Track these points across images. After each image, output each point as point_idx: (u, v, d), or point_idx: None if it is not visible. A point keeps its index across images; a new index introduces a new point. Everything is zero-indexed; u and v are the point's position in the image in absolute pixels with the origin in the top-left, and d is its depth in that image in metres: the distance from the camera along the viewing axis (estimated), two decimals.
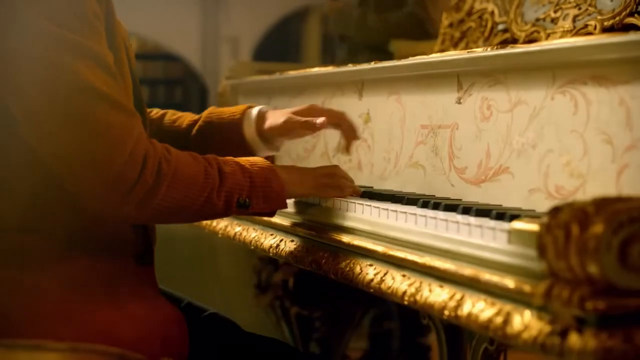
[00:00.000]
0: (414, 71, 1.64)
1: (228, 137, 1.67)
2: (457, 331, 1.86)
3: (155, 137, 1.40)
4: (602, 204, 0.94)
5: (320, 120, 1.57)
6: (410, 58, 1.65)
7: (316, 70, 2.02)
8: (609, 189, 1.17)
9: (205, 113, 1.75)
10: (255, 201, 1.41)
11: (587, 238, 0.92)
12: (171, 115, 1.77)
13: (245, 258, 2.76)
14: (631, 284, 0.93)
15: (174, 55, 11.71)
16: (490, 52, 1.42)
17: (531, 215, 1.10)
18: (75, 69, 1.26)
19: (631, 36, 1.16)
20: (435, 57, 1.58)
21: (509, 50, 1.38)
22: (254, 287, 2.59)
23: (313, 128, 1.60)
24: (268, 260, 2.55)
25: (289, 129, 1.63)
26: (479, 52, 1.45)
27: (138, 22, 10.49)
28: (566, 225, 0.94)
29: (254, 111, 1.68)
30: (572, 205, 0.95)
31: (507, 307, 1.04)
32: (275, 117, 1.64)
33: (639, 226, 0.93)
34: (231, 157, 1.45)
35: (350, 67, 1.86)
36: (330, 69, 1.96)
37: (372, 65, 1.77)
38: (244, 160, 1.45)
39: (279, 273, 2.51)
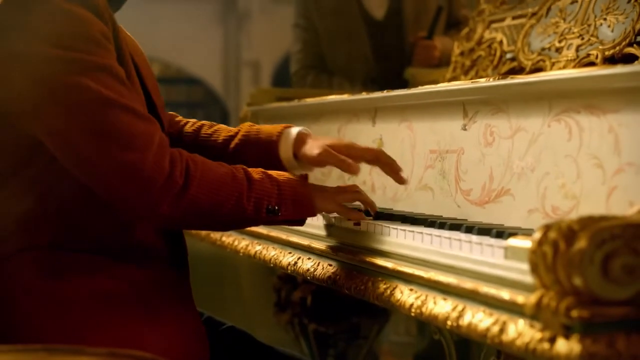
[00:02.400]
0: (423, 100, 1.75)
1: (264, 156, 1.67)
2: (466, 345, 1.95)
3: (190, 150, 1.46)
4: (587, 222, 1.04)
5: (355, 169, 1.58)
6: (420, 87, 1.77)
7: (332, 97, 2.13)
8: (599, 209, 1.27)
9: (242, 129, 1.76)
10: (284, 208, 1.46)
11: (573, 253, 1.02)
12: (207, 128, 1.79)
13: (265, 278, 2.87)
14: (613, 295, 1.02)
15: (196, 79, 11.89)
16: (492, 82, 1.53)
17: (526, 234, 1.20)
18: (87, 85, 1.33)
19: (619, 69, 1.27)
20: (442, 86, 1.69)
21: (509, 80, 1.49)
22: (273, 305, 2.70)
23: (347, 170, 1.60)
24: (287, 279, 2.66)
25: (322, 163, 1.63)
26: (483, 82, 1.56)
27: (161, 47, 10.69)
28: (554, 242, 1.04)
29: (293, 132, 1.67)
30: (560, 223, 1.05)
31: (503, 317, 1.14)
32: (312, 147, 1.63)
33: (620, 242, 1.03)
34: (259, 168, 1.51)
35: (364, 95, 1.98)
36: (345, 96, 2.07)
37: (385, 93, 1.88)
38: (271, 171, 1.51)
39: (298, 291, 2.61)
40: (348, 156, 1.58)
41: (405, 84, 2.89)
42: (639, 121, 1.23)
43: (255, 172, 1.48)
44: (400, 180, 1.62)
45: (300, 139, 1.67)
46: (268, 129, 1.72)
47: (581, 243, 1.02)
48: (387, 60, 3.17)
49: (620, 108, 1.27)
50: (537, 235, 1.06)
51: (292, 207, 1.49)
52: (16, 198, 1.41)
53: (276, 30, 11.11)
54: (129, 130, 1.34)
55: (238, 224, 1.57)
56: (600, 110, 1.30)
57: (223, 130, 1.78)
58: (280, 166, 1.65)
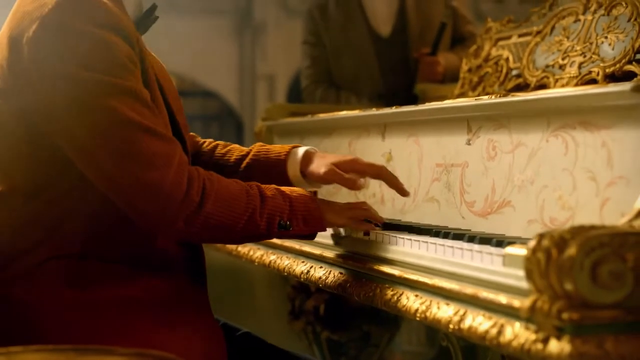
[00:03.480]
0: (430, 116, 1.83)
1: (273, 175, 1.76)
2: (473, 352, 2.03)
3: (206, 167, 1.55)
4: (577, 232, 1.11)
5: (360, 183, 1.68)
6: (427, 104, 1.85)
7: (344, 113, 2.22)
8: (594, 220, 1.35)
9: (253, 150, 1.85)
10: (296, 223, 1.56)
11: (564, 260, 1.10)
12: (221, 148, 1.89)
13: (279, 288, 2.95)
14: (601, 299, 1.10)
15: (212, 92, 12.00)
16: (494, 99, 1.61)
17: (524, 243, 1.28)
18: (113, 107, 1.42)
19: (610, 88, 1.35)
20: (447, 103, 1.78)
21: (509, 98, 1.57)
22: (288, 314, 2.78)
23: (352, 188, 1.70)
24: (301, 289, 2.75)
25: (329, 181, 1.73)
26: (485, 99, 1.64)
27: (177, 60, 10.80)
28: (547, 249, 1.12)
29: (300, 152, 1.77)
30: (552, 232, 1.13)
31: (501, 320, 1.22)
32: (318, 165, 1.72)
33: (608, 250, 1.11)
34: (272, 185, 1.60)
35: (374, 111, 2.06)
36: (356, 112, 2.16)
37: (394, 109, 1.97)
38: (284, 188, 1.60)
39: (311, 300, 2.70)
40: (352, 172, 1.68)
41: (415, 99, 2.97)
42: (629, 137, 1.31)
43: (268, 189, 1.57)
44: (403, 193, 1.71)
45: (307, 158, 1.76)
46: (277, 149, 1.82)
47: (571, 251, 1.10)
48: (394, 75, 3.25)
49: (613, 124, 1.35)
50: (532, 243, 1.14)
51: (303, 223, 1.58)
52: (47, 210, 1.50)
53: (291, 44, 11.21)
54: (150, 151, 1.43)
55: (251, 239, 1.65)
56: (594, 126, 1.38)
57: (235, 150, 1.88)
58: (288, 184, 1.74)
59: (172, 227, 1.46)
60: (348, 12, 3.36)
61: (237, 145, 1.92)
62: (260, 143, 1.90)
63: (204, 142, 1.93)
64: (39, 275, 1.49)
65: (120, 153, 1.43)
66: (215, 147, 1.91)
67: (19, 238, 1.50)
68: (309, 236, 1.63)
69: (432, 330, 2.19)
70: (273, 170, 1.77)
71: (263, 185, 1.58)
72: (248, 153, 1.86)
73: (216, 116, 12.62)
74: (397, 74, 3.24)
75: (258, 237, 1.59)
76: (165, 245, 1.58)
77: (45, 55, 1.43)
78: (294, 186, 1.73)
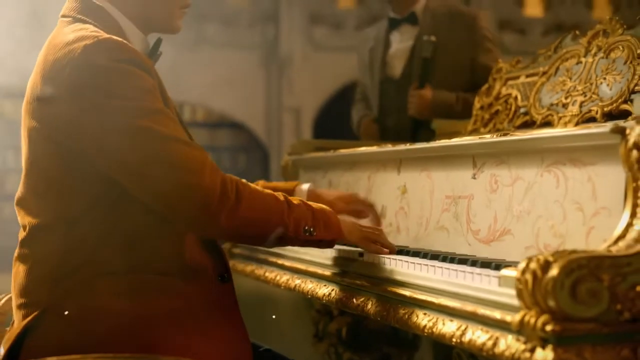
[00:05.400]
0: (440, 152, 2.02)
1: None
2: None
3: None
4: (559, 255, 1.29)
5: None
6: (437, 142, 2.04)
7: (363, 149, 2.41)
8: (581, 246, 1.52)
9: (260, 184, 2.08)
10: (318, 229, 1.77)
11: (547, 280, 1.27)
12: None
13: (304, 312, 3.13)
14: (580, 314, 1.27)
15: (239, 124, 12.22)
16: (496, 138, 1.80)
17: (515, 265, 1.46)
18: (149, 127, 1.64)
19: (594, 129, 1.53)
20: (455, 141, 1.96)
21: (509, 137, 1.76)
22: (312, 336, 2.96)
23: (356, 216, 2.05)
24: (324, 312, 2.92)
25: (334, 208, 1.99)
26: (488, 138, 1.83)
27: (205, 93, 11.06)
28: (534, 271, 1.29)
29: (304, 188, 2.07)
30: (538, 256, 1.31)
31: (496, 333, 1.40)
32: (322, 199, 2.05)
33: (585, 271, 1.28)
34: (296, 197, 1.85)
35: (390, 148, 2.26)
36: (374, 148, 2.35)
37: (408, 146, 2.16)
38: (307, 202, 1.82)
39: (334, 323, 2.87)
40: (353, 203, 2.05)
41: (432, 134, 3.15)
42: (611, 172, 1.49)
43: (294, 198, 1.80)
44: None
45: (311, 193, 2.06)
46: (282, 185, 2.11)
47: (554, 272, 1.27)
48: (401, 113, 3.45)
49: (597, 161, 1.53)
50: (522, 266, 1.32)
51: (324, 229, 1.80)
52: (89, 234, 1.70)
53: (317, 77, 11.45)
54: (185, 157, 1.65)
55: (281, 239, 1.80)
56: (581, 162, 1.56)
57: None
58: None
59: (215, 223, 1.66)
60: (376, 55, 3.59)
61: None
62: (264, 181, 2.17)
63: None
64: (88, 291, 1.68)
65: (159, 163, 1.64)
66: None
67: (65, 262, 1.70)
68: (330, 242, 1.83)
69: (447, 350, 2.35)
70: None
71: (288, 196, 1.80)
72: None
73: (243, 147, 12.83)
74: (405, 111, 3.43)
75: (286, 238, 1.77)
76: (192, 255, 1.77)
77: (79, 93, 1.64)
78: None
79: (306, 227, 1.76)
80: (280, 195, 1.77)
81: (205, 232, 1.74)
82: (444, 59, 3.38)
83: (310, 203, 1.81)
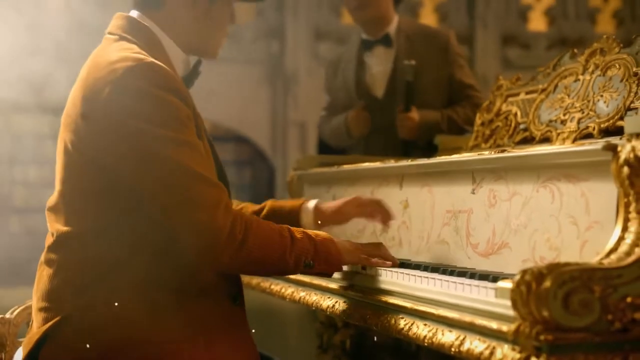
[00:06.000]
0: (441, 168, 2.08)
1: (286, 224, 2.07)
2: None
3: None
4: (552, 268, 1.35)
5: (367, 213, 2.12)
6: (438, 158, 2.10)
7: (366, 165, 2.47)
8: (575, 258, 1.58)
9: (268, 204, 2.20)
10: (318, 263, 1.84)
11: (540, 291, 1.33)
12: (235, 205, 2.18)
13: (309, 324, 3.19)
14: (572, 324, 1.33)
15: (244, 138, 12.28)
16: (494, 155, 1.86)
17: (511, 278, 1.51)
18: (172, 156, 1.70)
19: (586, 147, 1.59)
20: (455, 157, 2.02)
21: (506, 154, 1.82)
22: (316, 348, 3.01)
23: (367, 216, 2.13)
24: (328, 324, 2.98)
25: (343, 218, 2.13)
26: (486, 154, 1.89)
27: (211, 107, 11.12)
28: (528, 283, 1.35)
29: (310, 205, 2.13)
30: (533, 268, 1.36)
31: (493, 342, 1.46)
32: (329, 210, 2.13)
33: (577, 283, 1.34)
34: (300, 228, 1.90)
35: (392, 164, 2.32)
36: (377, 164, 2.41)
37: (410, 162, 2.22)
38: (310, 231, 1.89)
39: (338, 335, 2.93)
40: (361, 205, 2.11)
41: (435, 149, 3.21)
42: (603, 188, 1.55)
43: (297, 232, 1.85)
44: (385, 221, 2.13)
45: (317, 209, 2.13)
46: (290, 204, 2.18)
47: (547, 283, 1.33)
48: (388, 131, 3.51)
49: (590, 177, 1.59)
50: (517, 278, 1.37)
51: (324, 263, 1.87)
52: (117, 244, 1.77)
53: (322, 92, 11.51)
54: (202, 196, 1.71)
55: (280, 273, 1.95)
56: (575, 178, 1.62)
57: (249, 207, 2.23)
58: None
59: (218, 261, 1.73)
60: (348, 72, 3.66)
61: (250, 203, 2.25)
62: (273, 200, 2.25)
63: None
64: (110, 303, 1.74)
65: (177, 196, 1.70)
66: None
67: (90, 271, 1.77)
68: (328, 274, 1.92)
69: None
70: (287, 222, 2.03)
71: (293, 228, 1.86)
72: (263, 208, 2.20)
73: (249, 161, 12.89)
74: (389, 130, 3.50)
75: (286, 272, 1.89)
76: (206, 275, 1.83)
77: (117, 113, 1.71)
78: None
79: (306, 261, 1.83)
80: (284, 230, 1.83)
81: (206, 266, 1.81)
82: (423, 78, 3.46)
83: (314, 235, 1.86)
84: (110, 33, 1.90)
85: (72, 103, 1.82)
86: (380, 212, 2.12)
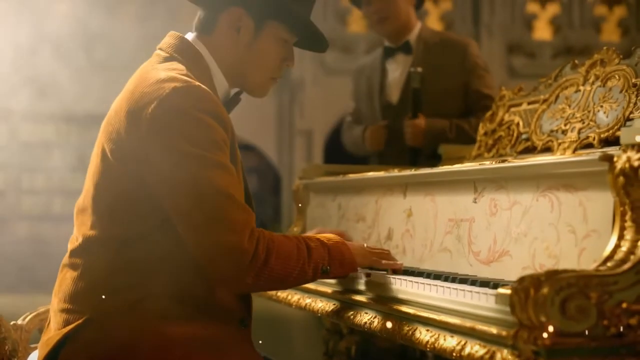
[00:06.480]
0: (443, 178, 2.13)
1: None
2: None
3: None
4: (550, 275, 1.39)
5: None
6: (441, 167, 2.15)
7: (371, 174, 2.52)
8: (573, 266, 1.62)
9: None
10: (333, 267, 1.90)
11: (538, 297, 1.37)
12: None
13: (315, 331, 3.24)
14: (569, 329, 1.37)
15: (250, 146, 12.35)
16: (495, 165, 1.91)
17: (511, 284, 1.56)
18: (208, 177, 1.75)
19: (584, 157, 1.64)
20: (457, 167, 2.07)
21: (507, 164, 1.87)
22: (322, 355, 3.06)
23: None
24: (334, 331, 3.02)
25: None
26: (487, 164, 1.94)
27: None
28: (526, 289, 1.39)
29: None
30: (531, 275, 1.41)
31: (493, 347, 1.50)
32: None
33: (574, 289, 1.38)
34: (313, 235, 1.95)
35: (396, 173, 2.36)
36: (381, 173, 2.46)
37: (413, 171, 2.26)
38: (322, 236, 1.94)
39: (344, 342, 2.98)
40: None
41: (439, 158, 3.26)
42: (600, 197, 1.60)
43: (311, 241, 1.91)
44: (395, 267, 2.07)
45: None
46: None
47: (544, 290, 1.37)
48: (401, 137, 3.56)
49: (587, 187, 1.63)
50: (515, 284, 1.42)
51: (339, 267, 1.93)
52: (141, 256, 1.81)
53: (328, 101, 11.58)
54: (233, 218, 1.76)
55: (300, 284, 1.97)
56: (573, 188, 1.67)
57: None
58: None
59: (242, 281, 1.78)
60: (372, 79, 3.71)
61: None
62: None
63: None
64: (132, 311, 1.80)
65: (208, 216, 1.75)
66: None
67: (113, 280, 1.82)
68: (343, 276, 1.98)
69: None
70: None
71: (306, 237, 1.91)
72: None
73: (255, 169, 12.97)
74: (402, 137, 3.55)
75: (305, 282, 1.93)
76: (223, 297, 1.89)
77: (160, 129, 1.77)
78: None
79: (323, 268, 1.89)
80: (300, 242, 1.87)
81: (230, 287, 1.86)
82: (436, 86, 3.51)
83: (326, 240, 1.92)
84: (161, 49, 1.95)
85: (116, 113, 1.86)
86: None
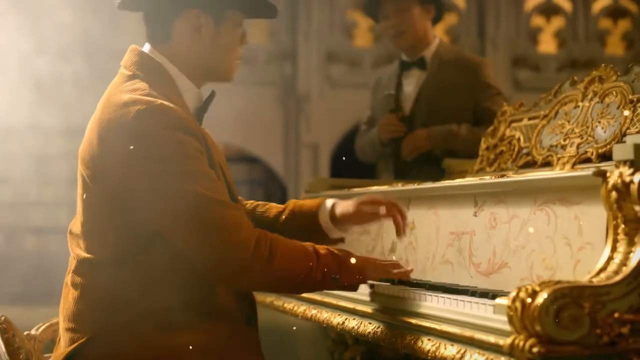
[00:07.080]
0: (445, 192, 2.20)
1: (307, 224, 2.17)
2: None
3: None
4: (545, 285, 1.45)
5: (382, 211, 2.12)
6: (443, 182, 2.21)
7: (375, 188, 2.59)
8: (569, 277, 1.68)
9: (290, 205, 2.25)
10: (344, 277, 1.92)
11: (534, 307, 1.44)
12: (261, 207, 2.30)
13: (320, 342, 3.29)
14: (563, 337, 1.43)
15: (256, 159, 12.41)
16: (494, 180, 1.97)
17: (507, 295, 1.62)
18: (194, 189, 1.80)
19: (579, 172, 1.70)
20: (458, 182, 2.14)
21: (506, 179, 1.93)
22: None
23: (378, 218, 2.14)
24: (339, 342, 3.09)
25: (359, 216, 2.13)
26: (487, 179, 2.00)
27: (224, 128, 11.26)
28: (522, 299, 1.46)
29: (328, 203, 2.16)
30: (527, 286, 1.47)
31: (491, 356, 1.56)
32: (347, 207, 2.14)
33: (568, 299, 1.44)
34: (323, 245, 1.98)
35: (400, 187, 2.43)
36: (385, 188, 2.53)
37: (416, 186, 2.33)
38: (331, 247, 1.98)
39: (349, 352, 3.04)
40: (375, 203, 2.11)
41: (443, 172, 3.32)
42: (594, 211, 1.66)
43: (321, 248, 1.94)
44: (399, 231, 2.13)
45: (334, 207, 2.16)
46: (310, 202, 2.22)
47: (540, 300, 1.43)
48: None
49: (582, 201, 1.70)
50: (512, 295, 1.48)
51: (350, 277, 1.95)
52: (136, 276, 1.86)
53: (334, 114, 11.64)
54: (223, 218, 1.82)
55: (309, 289, 2.01)
56: (569, 202, 1.74)
57: (274, 208, 2.29)
58: (320, 230, 2.16)
59: (248, 277, 1.84)
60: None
61: (274, 204, 2.33)
62: (294, 200, 2.31)
63: (247, 202, 2.33)
64: (133, 328, 1.85)
65: (201, 222, 1.81)
66: (256, 206, 2.32)
67: (112, 299, 1.87)
68: (353, 288, 2.00)
69: None
70: (307, 220, 2.15)
71: (316, 245, 1.95)
72: (285, 209, 2.25)
73: (261, 181, 13.01)
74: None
75: (315, 287, 1.97)
76: (224, 300, 1.94)
77: (131, 155, 1.80)
78: (325, 230, 2.16)
79: (333, 276, 1.91)
80: (308, 247, 1.91)
81: (238, 285, 1.91)
82: (448, 102, 3.57)
83: (336, 251, 1.95)
84: (124, 67, 1.97)
85: (88, 140, 1.90)
86: (394, 211, 2.13)
